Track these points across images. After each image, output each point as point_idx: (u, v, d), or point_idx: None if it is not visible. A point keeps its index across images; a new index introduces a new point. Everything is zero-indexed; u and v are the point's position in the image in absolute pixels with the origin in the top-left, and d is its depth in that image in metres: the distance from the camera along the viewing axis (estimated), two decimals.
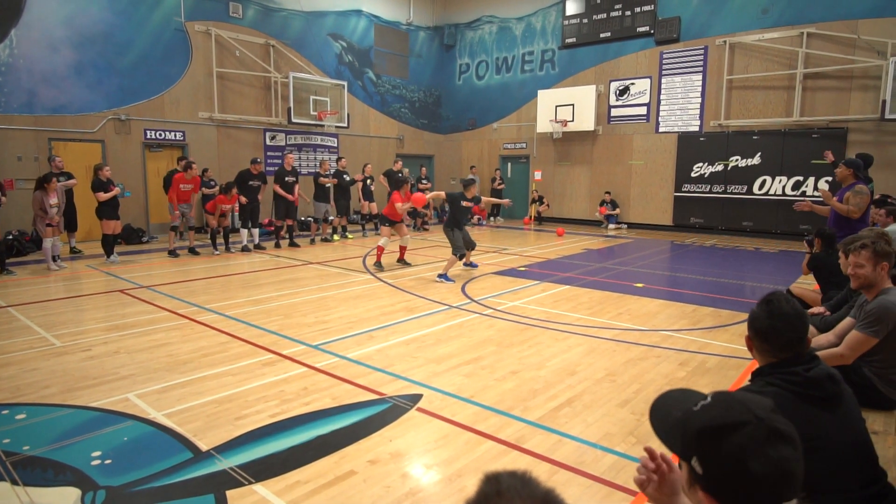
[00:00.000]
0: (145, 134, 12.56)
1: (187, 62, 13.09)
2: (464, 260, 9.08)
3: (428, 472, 2.96)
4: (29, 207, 9.34)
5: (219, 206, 10.47)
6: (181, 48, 12.97)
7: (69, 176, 10.07)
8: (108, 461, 3.02)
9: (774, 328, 1.79)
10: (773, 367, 1.81)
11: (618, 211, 15.69)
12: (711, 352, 4.96)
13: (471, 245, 8.86)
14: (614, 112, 15.83)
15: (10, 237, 10.06)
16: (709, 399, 1.09)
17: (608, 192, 15.76)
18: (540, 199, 17.12)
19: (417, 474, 2.95)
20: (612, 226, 15.53)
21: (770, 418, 1.00)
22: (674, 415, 1.15)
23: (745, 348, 1.99)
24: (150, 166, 12.68)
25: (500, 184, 17.45)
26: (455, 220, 8.66)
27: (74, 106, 11.50)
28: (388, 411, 3.68)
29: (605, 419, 3.58)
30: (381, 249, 9.04)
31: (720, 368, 4.55)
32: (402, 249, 9.62)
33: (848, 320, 3.21)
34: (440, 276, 8.20)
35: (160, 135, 12.79)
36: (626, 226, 15.65)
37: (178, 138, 13.04)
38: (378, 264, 9.01)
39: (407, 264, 9.48)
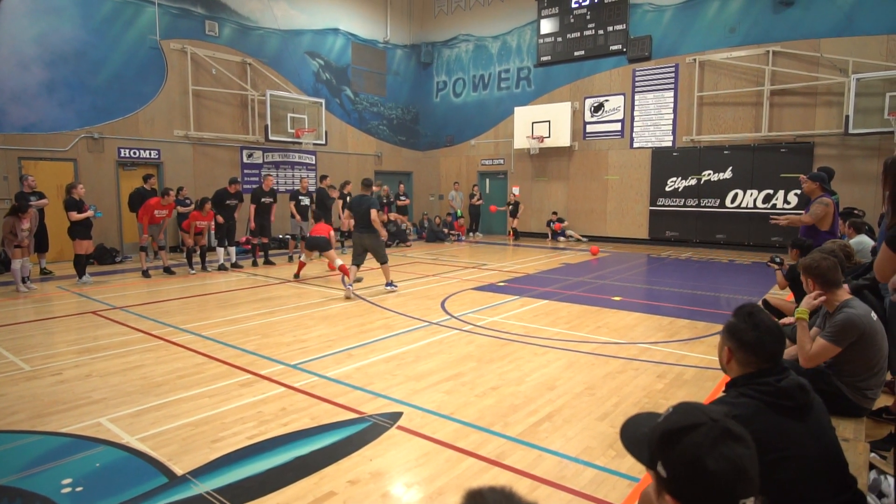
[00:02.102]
0: (119, 152, 12.39)
1: (162, 80, 12.99)
2: (352, 276, 8.35)
3: (409, 491, 2.94)
4: None
5: (194, 224, 10.34)
6: (156, 66, 12.87)
7: (40, 195, 9.86)
8: (79, 488, 2.94)
9: (761, 340, 1.83)
10: (747, 378, 1.85)
11: (567, 223, 16.62)
12: (688, 363, 5.02)
13: (359, 259, 8.45)
14: (589, 128, 16.11)
15: None
16: (671, 410, 1.19)
17: (555, 213, 16.85)
18: (515, 207, 16.95)
19: (398, 493, 2.92)
20: (562, 238, 16.49)
21: (723, 420, 1.09)
22: (641, 430, 1.22)
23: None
24: (124, 185, 12.49)
25: (478, 200, 17.56)
26: (357, 225, 8.37)
27: (46, 124, 11.31)
28: (368, 430, 3.64)
29: (584, 433, 3.60)
30: (343, 268, 8.72)
31: (697, 380, 4.61)
32: (301, 265, 9.95)
33: (814, 330, 3.30)
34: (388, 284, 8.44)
35: (134, 153, 12.63)
36: (579, 238, 16.13)
37: (152, 156, 12.89)
38: (345, 280, 8.71)
39: (296, 277, 9.79)
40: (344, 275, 8.64)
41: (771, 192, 13.21)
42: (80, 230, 9.16)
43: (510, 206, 17.03)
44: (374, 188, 8.71)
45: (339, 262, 9.00)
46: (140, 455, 3.31)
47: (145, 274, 9.96)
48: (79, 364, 5.05)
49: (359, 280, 9.10)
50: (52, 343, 5.78)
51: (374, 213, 8.13)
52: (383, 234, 8.39)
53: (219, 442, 3.46)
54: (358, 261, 8.43)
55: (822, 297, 3.14)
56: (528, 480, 3.02)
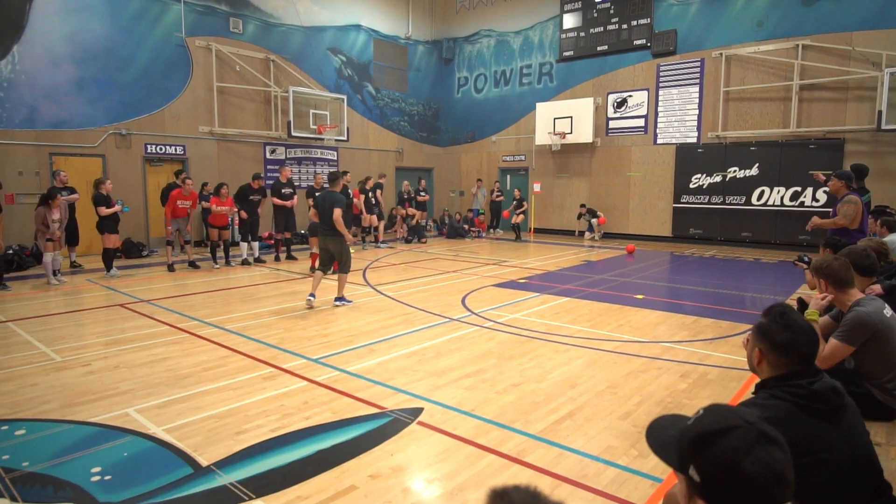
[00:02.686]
0: (146, 148, 12.62)
1: (188, 77, 13.19)
2: (314, 286, 7.29)
3: (429, 487, 2.95)
4: (29, 222, 9.37)
5: (214, 209, 10.42)
6: (182, 63, 13.07)
7: (72, 190, 10.11)
8: (107, 477, 3.01)
9: (794, 341, 1.79)
10: (778, 379, 1.81)
11: (601, 220, 15.87)
12: (712, 363, 4.95)
13: (325, 267, 7.41)
14: (612, 124, 15.93)
15: (10, 252, 10.06)
16: (701, 412, 1.15)
17: (583, 205, 16.19)
18: (519, 203, 16.16)
19: (419, 489, 2.93)
20: (588, 233, 15.98)
21: (758, 423, 1.06)
22: (669, 432, 1.19)
23: (746, 360, 1.99)
24: (151, 180, 12.72)
25: (498, 195, 17.48)
26: (321, 225, 7.33)
27: (75, 121, 11.56)
28: (389, 425, 3.66)
29: (606, 432, 3.57)
30: (315, 256, 9.32)
31: (721, 380, 4.53)
32: (315, 257, 9.79)
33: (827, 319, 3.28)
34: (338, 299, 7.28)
35: (160, 149, 12.85)
36: (599, 235, 15.88)
37: (178, 152, 13.09)
38: (314, 269, 9.11)
39: (313, 270, 9.67)
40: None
41: (799, 189, 12.92)
42: (108, 225, 9.35)
43: (514, 202, 16.38)
44: (343, 181, 7.62)
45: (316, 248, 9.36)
46: (166, 445, 3.37)
47: (170, 268, 10.14)
48: (107, 355, 5.17)
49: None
50: (82, 335, 5.92)
51: (337, 212, 6.96)
52: (349, 238, 7.23)
53: (242, 434, 3.51)
54: (324, 268, 7.38)
55: (829, 297, 3.10)
56: (548, 478, 3.00)
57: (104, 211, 9.24)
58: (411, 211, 15.71)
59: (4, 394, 4.21)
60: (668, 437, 1.19)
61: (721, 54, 13.74)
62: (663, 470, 3.07)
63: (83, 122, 11.68)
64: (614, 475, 3.03)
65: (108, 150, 12.05)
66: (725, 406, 1.14)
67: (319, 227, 7.30)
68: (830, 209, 6.02)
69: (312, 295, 7.17)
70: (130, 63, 12.22)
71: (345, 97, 15.98)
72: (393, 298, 7.78)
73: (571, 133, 16.17)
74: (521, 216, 16.10)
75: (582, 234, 16.29)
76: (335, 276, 7.56)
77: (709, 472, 1.04)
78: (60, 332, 6.00)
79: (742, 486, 0.99)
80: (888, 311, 2.99)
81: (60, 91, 11.32)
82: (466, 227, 16.98)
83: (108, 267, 9.42)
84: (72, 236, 10.36)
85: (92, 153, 11.84)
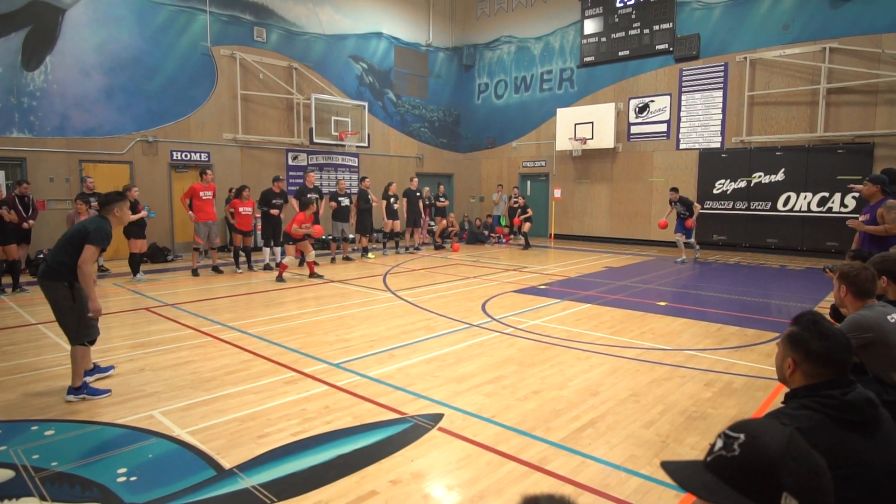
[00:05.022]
0: (171, 155, 12.87)
1: (213, 85, 13.43)
2: None
3: (450, 494, 2.93)
4: (59, 228, 9.58)
5: (238, 210, 10.60)
6: (207, 72, 13.32)
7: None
8: (133, 478, 3.05)
9: (829, 350, 1.74)
10: (809, 389, 1.76)
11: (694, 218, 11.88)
12: (738, 372, 4.85)
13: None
14: (634, 129, 15.79)
15: (41, 256, 10.32)
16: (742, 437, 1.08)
17: (674, 190, 12.30)
18: (523, 210, 15.30)
19: (439, 495, 2.92)
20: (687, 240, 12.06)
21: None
22: (685, 460, 1.16)
23: (773, 369, 1.94)
24: (176, 186, 12.96)
25: (515, 202, 17.36)
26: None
27: (104, 129, 11.85)
28: (410, 431, 3.66)
29: (629, 441, 3.52)
30: (284, 266, 9.89)
31: (747, 389, 4.44)
32: (311, 265, 10.14)
33: None
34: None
35: (186, 156, 13.09)
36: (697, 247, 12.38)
37: (203, 159, 13.33)
38: (280, 278, 9.79)
39: (319, 277, 10.01)
40: (282, 271, 9.74)
41: (826, 194, 12.65)
42: (134, 230, 9.56)
43: (517, 209, 15.66)
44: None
45: (289, 258, 10.20)
46: (190, 448, 3.41)
47: (195, 272, 10.30)
48: (133, 358, 5.26)
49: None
50: (109, 337, 6.04)
51: (87, 252, 4.30)
52: (91, 297, 4.36)
53: (264, 437, 3.54)
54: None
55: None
56: (570, 487, 2.97)
57: (130, 217, 9.42)
58: (437, 219, 15.80)
59: (35, 395, 4.32)
60: (687, 463, 1.15)
61: (745, 58, 13.55)
62: None
63: (112, 130, 11.96)
64: (638, 485, 2.99)
65: (135, 157, 12.32)
66: (750, 422, 1.11)
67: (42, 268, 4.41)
68: (858, 215, 5.85)
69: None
70: (157, 72, 12.50)
71: (366, 104, 16.12)
72: (413, 304, 7.80)
73: (592, 138, 16.07)
74: (529, 224, 15.20)
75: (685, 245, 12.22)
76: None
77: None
78: None
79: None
80: (893, 317, 2.90)
81: (90, 100, 11.62)
82: (486, 232, 16.96)
83: (135, 271, 9.60)
84: None
85: (120, 160, 12.12)
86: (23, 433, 3.63)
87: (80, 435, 3.62)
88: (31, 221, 9.22)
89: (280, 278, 9.74)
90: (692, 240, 12.13)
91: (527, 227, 15.20)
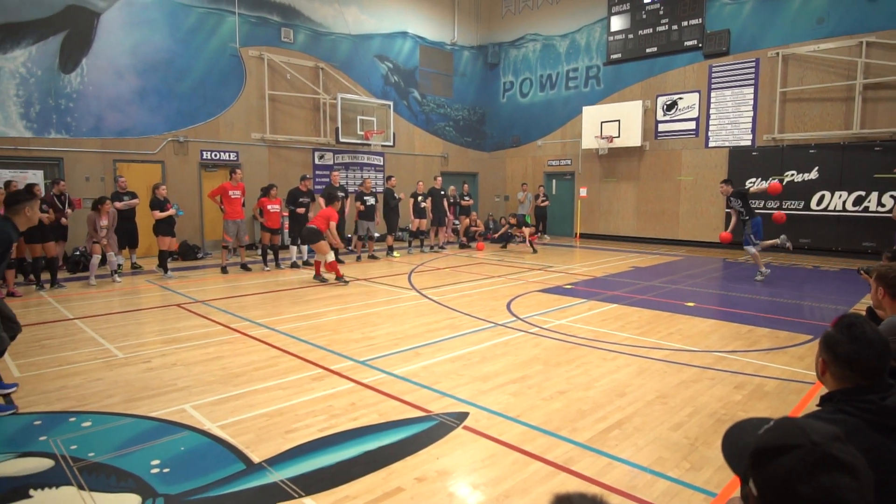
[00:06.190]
0: (201, 154, 13.13)
1: (241, 86, 13.65)
2: None
3: (475, 492, 2.94)
4: None
5: (266, 208, 10.78)
6: (236, 73, 13.54)
7: (133, 195, 10.60)
8: (166, 470, 3.13)
9: (859, 354, 1.70)
10: (845, 393, 1.72)
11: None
12: (769, 375, 4.75)
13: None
14: (661, 127, 15.56)
15: (77, 253, 10.64)
16: (771, 423, 1.10)
17: (726, 182, 9.98)
18: (520, 222, 14.39)
19: (464, 494, 2.93)
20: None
21: (827, 444, 0.99)
22: (745, 438, 1.15)
23: (806, 372, 1.91)
24: (206, 185, 13.21)
25: (543, 201, 17.32)
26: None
27: (137, 129, 12.14)
28: (435, 429, 3.68)
29: (656, 443, 3.48)
30: (333, 265, 9.19)
31: (779, 392, 4.35)
32: (318, 265, 9.68)
33: None
34: None
35: (215, 155, 13.34)
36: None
37: (231, 158, 13.56)
38: (340, 278, 9.29)
39: (323, 280, 9.53)
40: (335, 272, 9.08)
41: (863, 193, 12.28)
42: (162, 227, 9.83)
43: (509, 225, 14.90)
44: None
45: (329, 257, 9.18)
46: (220, 441, 3.49)
47: (224, 270, 10.49)
48: (165, 353, 5.39)
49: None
50: (142, 332, 6.20)
51: None
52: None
53: (292, 433, 3.60)
54: None
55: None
56: (597, 488, 2.95)
57: (157, 214, 9.72)
58: (461, 218, 15.79)
59: (72, 387, 4.45)
60: (742, 444, 1.16)
61: (777, 54, 13.23)
62: (717, 483, 2.97)
63: (144, 130, 12.25)
64: (665, 487, 2.95)
65: (166, 157, 12.60)
66: (797, 421, 1.08)
67: None
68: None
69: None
70: (188, 73, 12.75)
71: (391, 103, 16.20)
72: (438, 302, 7.82)
73: (619, 136, 15.88)
74: (531, 229, 14.63)
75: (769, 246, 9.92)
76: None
77: (764, 488, 0.99)
78: (123, 329, 6.30)
79: None
80: None
81: (124, 101, 11.92)
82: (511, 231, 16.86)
83: (164, 268, 9.83)
84: (132, 239, 10.84)
85: (152, 159, 12.40)
86: (61, 424, 3.76)
87: (116, 427, 3.73)
88: (68, 211, 9.76)
89: (340, 279, 9.26)
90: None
91: (528, 231, 14.38)
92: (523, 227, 14.35)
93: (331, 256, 9.22)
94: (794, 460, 0.97)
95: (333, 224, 9.51)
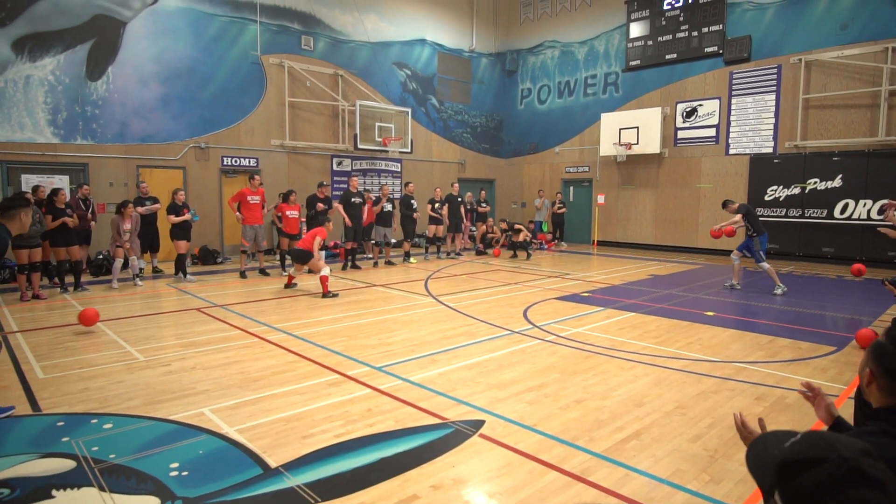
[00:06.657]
0: (222, 161, 13.32)
1: (262, 93, 13.84)
2: None
3: (491, 501, 2.93)
4: None
5: (285, 214, 10.90)
6: (256, 80, 13.74)
7: (154, 200, 10.80)
8: (185, 473, 3.17)
9: None
10: (892, 412, 1.59)
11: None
12: (791, 387, 4.66)
13: None
14: (681, 134, 15.42)
15: (101, 256, 10.84)
16: (799, 436, 1.08)
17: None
18: (510, 228, 14.29)
19: (480, 503, 2.92)
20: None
21: (856, 459, 0.96)
22: (770, 451, 1.12)
23: (830, 384, 1.85)
24: (227, 191, 13.39)
25: (560, 207, 17.23)
26: None
27: (160, 135, 12.37)
28: (451, 436, 3.67)
29: (675, 454, 3.43)
30: (324, 279, 8.81)
31: (802, 405, 4.26)
32: (290, 278, 9.49)
33: None
34: None
35: (236, 161, 13.53)
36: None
37: (251, 164, 13.73)
38: (330, 294, 8.81)
39: (293, 286, 9.47)
40: (323, 284, 8.71)
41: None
42: (177, 232, 10.06)
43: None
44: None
45: (326, 270, 8.87)
46: (238, 445, 3.52)
47: (243, 275, 10.61)
48: (184, 357, 5.46)
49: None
50: (162, 336, 6.29)
51: None
52: None
53: (309, 438, 3.62)
54: None
55: None
56: (614, 500, 2.92)
57: (172, 219, 9.94)
58: (478, 224, 15.77)
59: (95, 389, 4.53)
60: (767, 456, 1.13)
61: (800, 60, 13.06)
62: (738, 497, 2.92)
63: (167, 137, 12.47)
64: (684, 500, 2.91)
65: (188, 163, 12.81)
66: (824, 435, 1.05)
67: None
68: None
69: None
70: (210, 81, 12.97)
71: (409, 110, 16.29)
72: (454, 309, 7.81)
73: (638, 143, 15.78)
74: (524, 233, 14.33)
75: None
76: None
77: (790, 502, 0.97)
78: (144, 332, 6.40)
79: None
80: None
81: (147, 108, 12.16)
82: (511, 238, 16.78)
83: (183, 272, 9.99)
84: (153, 243, 11.04)
85: (174, 165, 12.62)
86: (84, 425, 3.82)
87: (137, 429, 3.78)
88: (89, 216, 10.02)
89: (327, 294, 8.78)
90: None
91: (522, 236, 14.20)
92: (520, 233, 14.27)
93: (326, 271, 8.92)
94: (822, 474, 0.95)
95: (320, 240, 9.13)
